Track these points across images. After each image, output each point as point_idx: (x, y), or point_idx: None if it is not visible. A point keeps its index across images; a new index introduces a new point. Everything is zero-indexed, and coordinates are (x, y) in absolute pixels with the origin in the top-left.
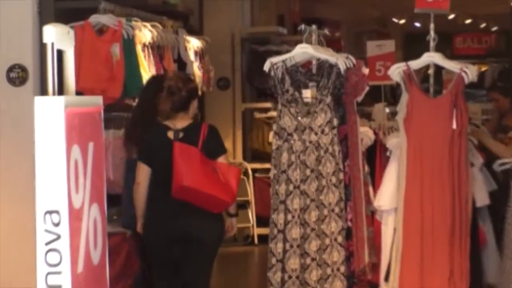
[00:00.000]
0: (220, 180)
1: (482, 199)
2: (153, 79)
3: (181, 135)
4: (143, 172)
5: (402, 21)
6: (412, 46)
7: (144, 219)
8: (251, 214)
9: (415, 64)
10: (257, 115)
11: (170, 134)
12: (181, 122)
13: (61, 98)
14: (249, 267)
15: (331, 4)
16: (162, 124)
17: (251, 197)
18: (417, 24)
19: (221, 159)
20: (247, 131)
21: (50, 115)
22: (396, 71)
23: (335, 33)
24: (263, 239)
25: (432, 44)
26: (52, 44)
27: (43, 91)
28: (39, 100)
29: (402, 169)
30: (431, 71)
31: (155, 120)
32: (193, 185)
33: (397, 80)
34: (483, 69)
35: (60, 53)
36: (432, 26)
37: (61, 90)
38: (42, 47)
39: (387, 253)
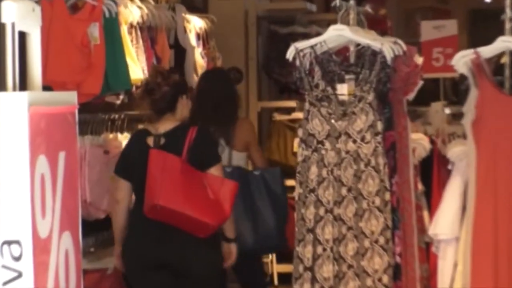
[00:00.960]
0: (208, 197)
1: None
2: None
3: (162, 141)
4: (123, 188)
5: None
6: (480, 27)
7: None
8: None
9: (487, 51)
10: (278, 117)
11: (150, 141)
12: (164, 126)
13: (24, 95)
14: None
15: None
16: (143, 128)
17: None
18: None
19: (212, 171)
20: (264, 137)
21: (9, 116)
22: (461, 61)
23: (380, 11)
24: (285, 278)
25: (508, 25)
26: (13, 25)
27: (1, 86)
28: None
29: (469, 187)
30: (506, 60)
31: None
32: (168, 204)
33: (462, 72)
34: None
35: (22, 36)
36: (508, 1)
37: (23, 84)
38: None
39: None
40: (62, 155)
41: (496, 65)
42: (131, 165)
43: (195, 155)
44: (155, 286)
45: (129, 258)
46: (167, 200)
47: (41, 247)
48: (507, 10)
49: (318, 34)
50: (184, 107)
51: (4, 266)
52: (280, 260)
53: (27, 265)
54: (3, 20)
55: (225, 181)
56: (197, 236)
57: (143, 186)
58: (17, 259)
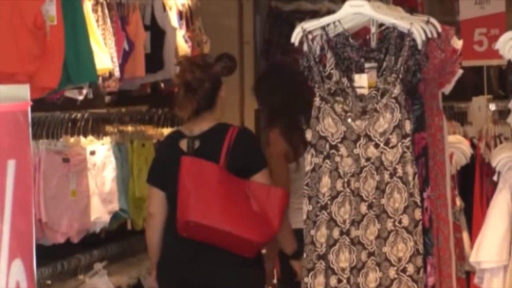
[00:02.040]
0: (252, 210)
1: None
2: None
3: (197, 144)
4: (156, 199)
5: None
6: None
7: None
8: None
9: None
10: None
11: (183, 144)
12: (201, 126)
13: None
14: None
15: None
16: (176, 130)
17: None
18: None
19: (258, 177)
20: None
21: None
22: (509, 44)
23: None
24: None
25: None
26: None
27: None
28: None
29: None
30: None
31: None
32: (202, 219)
33: (510, 58)
34: None
35: None
36: None
37: None
38: None
39: None
40: (11, 164)
41: None
42: (165, 174)
43: (236, 160)
44: None
45: (162, 282)
46: (202, 216)
47: None
48: None
49: (331, 11)
50: (222, 104)
51: None
52: None
53: None
54: None
55: (272, 190)
56: (241, 255)
57: (176, 198)
58: None
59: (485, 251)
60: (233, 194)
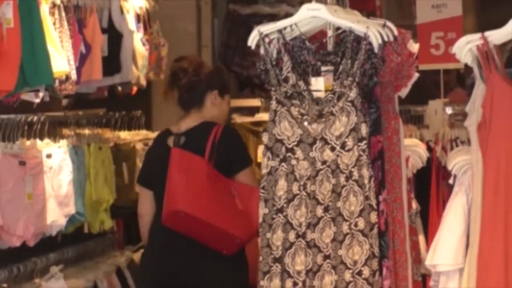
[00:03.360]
0: (236, 207)
1: None
2: None
3: (182, 140)
4: (146, 200)
5: None
6: (492, 6)
7: None
8: None
9: (497, 36)
10: (237, 118)
11: (170, 141)
12: (187, 123)
13: None
14: None
15: None
16: (166, 128)
17: None
18: None
19: (241, 176)
20: None
21: None
22: (465, 48)
23: None
24: None
25: None
26: None
27: None
28: None
29: (474, 206)
30: None
31: None
32: (191, 210)
33: (467, 62)
34: None
35: None
36: None
37: None
38: None
39: None
40: None
41: (511, 54)
42: (152, 172)
43: (220, 157)
44: None
45: (144, 276)
46: (191, 206)
47: None
48: None
49: (289, 15)
50: (217, 106)
51: None
52: None
53: None
54: None
55: (255, 190)
56: (220, 252)
57: (164, 192)
58: None
59: (441, 254)
60: (219, 190)
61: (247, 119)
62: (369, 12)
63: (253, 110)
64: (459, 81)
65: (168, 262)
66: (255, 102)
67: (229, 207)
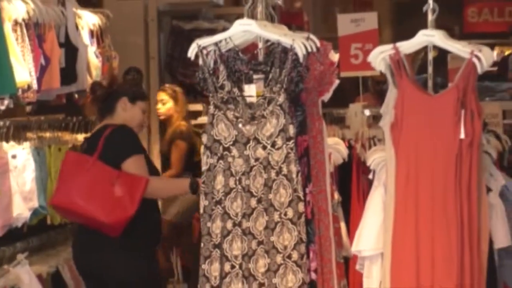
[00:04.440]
0: (111, 194)
1: (504, 238)
2: None
3: (85, 144)
4: None
5: None
6: (404, 20)
7: None
8: (175, 264)
9: (407, 46)
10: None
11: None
12: (97, 127)
13: None
14: None
15: None
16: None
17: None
18: None
19: (125, 166)
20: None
21: None
22: (379, 57)
23: (295, 4)
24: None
25: (430, 17)
26: None
27: None
28: None
29: (389, 197)
30: (430, 57)
31: None
32: (59, 203)
33: (381, 69)
34: (507, 53)
35: None
36: None
37: None
38: None
39: None
40: None
41: (422, 62)
42: None
43: (107, 151)
44: None
45: None
46: (59, 200)
47: None
48: (429, 1)
49: (226, 29)
50: (127, 111)
51: None
52: (186, 279)
53: None
54: None
55: (133, 177)
56: (110, 236)
57: None
58: None
59: (364, 241)
60: (99, 181)
61: (191, 122)
62: (298, 26)
63: (196, 114)
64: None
65: (74, 252)
66: (198, 107)
67: (104, 195)
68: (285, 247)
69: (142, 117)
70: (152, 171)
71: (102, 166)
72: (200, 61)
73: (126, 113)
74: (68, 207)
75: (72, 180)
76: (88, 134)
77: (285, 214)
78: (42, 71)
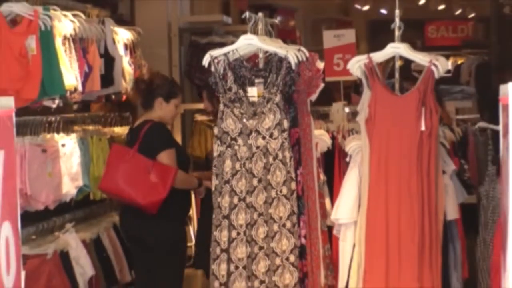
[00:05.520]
0: (147, 180)
1: (454, 211)
2: None
3: (128, 136)
4: None
5: (366, 8)
6: (377, 36)
7: None
8: (193, 231)
9: (379, 56)
10: (199, 117)
11: (127, 134)
12: (138, 121)
13: None
14: None
15: None
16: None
17: (193, 212)
18: (383, 11)
19: (160, 157)
20: (187, 136)
21: None
22: (356, 65)
23: (289, 22)
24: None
25: (397, 33)
26: None
27: None
28: None
29: (364, 177)
30: (397, 65)
31: None
32: (105, 188)
33: (357, 75)
34: (459, 62)
35: None
36: (397, 12)
37: None
38: None
39: (345, 272)
40: (1, 154)
41: (391, 69)
42: None
43: (145, 145)
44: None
45: None
46: (105, 185)
47: None
48: (396, 20)
49: (233, 43)
50: (162, 109)
51: None
52: None
53: None
54: None
55: (164, 167)
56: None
57: None
58: None
59: (341, 211)
60: (137, 169)
61: (205, 118)
62: (291, 40)
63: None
64: (356, 88)
65: (121, 219)
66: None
67: (140, 180)
68: (281, 218)
69: (175, 112)
70: (185, 159)
71: (140, 157)
72: (212, 68)
73: (161, 110)
74: (113, 191)
75: (116, 168)
76: (127, 128)
77: (281, 191)
78: (85, 76)
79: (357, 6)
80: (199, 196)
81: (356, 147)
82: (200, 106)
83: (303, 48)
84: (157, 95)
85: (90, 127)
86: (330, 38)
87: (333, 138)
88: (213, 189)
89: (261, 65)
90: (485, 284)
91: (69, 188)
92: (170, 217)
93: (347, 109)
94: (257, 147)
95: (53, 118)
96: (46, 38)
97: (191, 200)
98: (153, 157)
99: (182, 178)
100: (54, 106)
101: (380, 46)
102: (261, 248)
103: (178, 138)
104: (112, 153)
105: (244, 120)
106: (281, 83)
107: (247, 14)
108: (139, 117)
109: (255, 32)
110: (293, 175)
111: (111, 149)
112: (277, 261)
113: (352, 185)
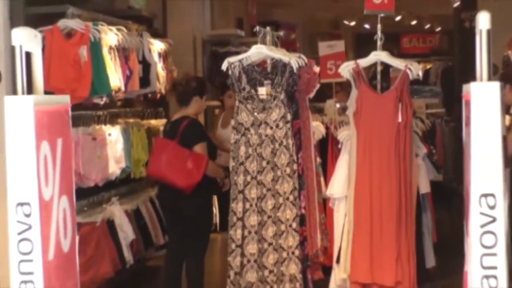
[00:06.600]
0: (185, 167)
1: (425, 187)
2: None
3: (168, 126)
4: None
5: (353, 23)
6: (362, 46)
7: None
8: (215, 204)
9: (364, 62)
10: (217, 112)
11: (166, 126)
12: (176, 115)
13: (30, 97)
14: (212, 253)
15: (287, 8)
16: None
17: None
18: (367, 26)
19: (195, 148)
20: (209, 127)
21: (20, 113)
22: (346, 69)
23: (291, 35)
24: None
25: (379, 43)
26: (20, 47)
27: (13, 91)
28: (8, 99)
29: (352, 160)
30: (378, 69)
31: None
32: (151, 173)
33: (347, 77)
34: (428, 67)
35: (28, 55)
36: (379, 26)
37: (30, 89)
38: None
39: (339, 237)
40: (59, 141)
41: (373, 73)
42: None
43: (184, 137)
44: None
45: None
46: (151, 170)
47: (45, 207)
48: (378, 33)
49: (246, 51)
50: (198, 105)
51: (18, 221)
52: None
53: (35, 220)
54: (13, 43)
55: (198, 156)
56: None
57: None
58: (28, 216)
59: (335, 188)
60: (177, 157)
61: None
62: (293, 49)
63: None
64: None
65: (161, 196)
66: (215, 102)
67: (180, 167)
68: (285, 193)
69: (205, 105)
70: (212, 147)
71: (179, 148)
72: (230, 72)
73: (197, 105)
74: (158, 176)
75: (160, 157)
76: (173, 118)
77: (285, 171)
78: (127, 79)
79: (346, 22)
80: (224, 189)
81: (346, 135)
82: (219, 103)
83: (302, 56)
84: (194, 94)
85: (131, 120)
86: (324, 48)
87: (327, 128)
88: (230, 169)
89: (269, 69)
90: None
91: (114, 169)
92: (201, 196)
93: (338, 105)
94: (266, 136)
95: (101, 113)
96: (95, 48)
97: (217, 185)
98: (189, 148)
99: (213, 168)
100: (102, 102)
101: (365, 54)
102: (269, 217)
103: None
104: (156, 144)
105: (255, 113)
106: (285, 83)
107: (257, 28)
108: (176, 112)
109: (264, 42)
110: (295, 158)
111: (156, 141)
112: (282, 227)
113: (343, 167)
